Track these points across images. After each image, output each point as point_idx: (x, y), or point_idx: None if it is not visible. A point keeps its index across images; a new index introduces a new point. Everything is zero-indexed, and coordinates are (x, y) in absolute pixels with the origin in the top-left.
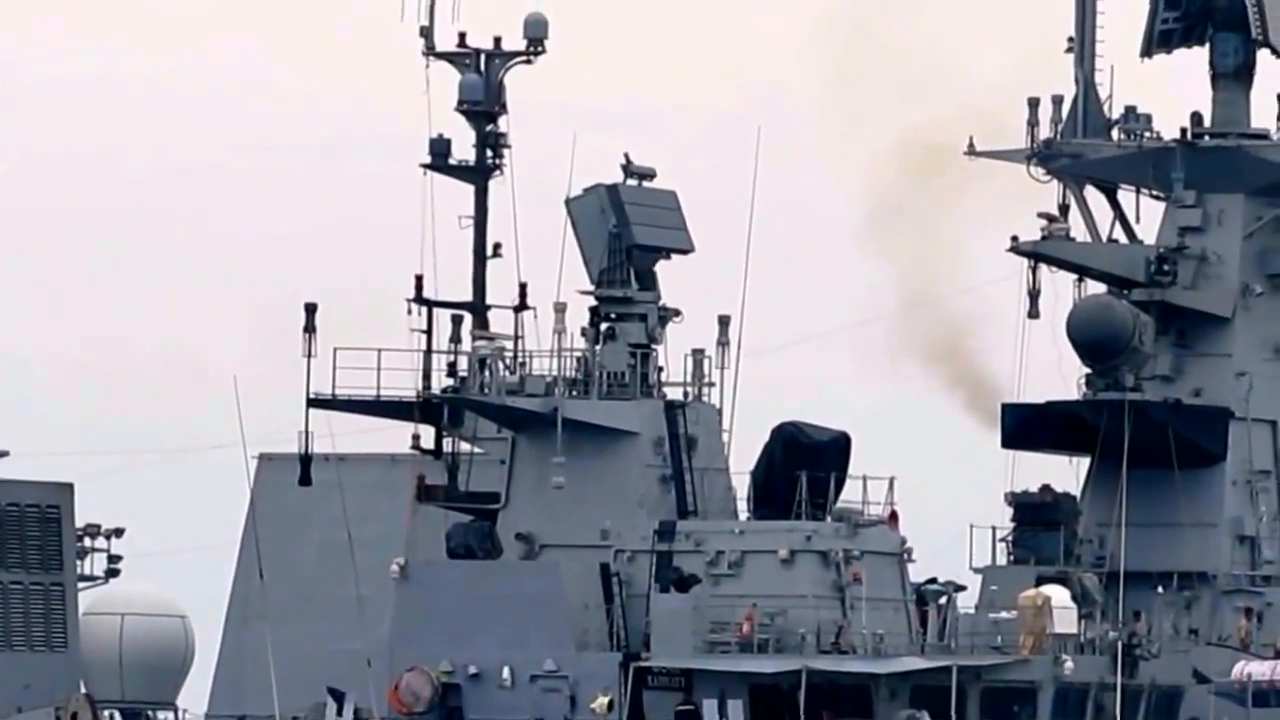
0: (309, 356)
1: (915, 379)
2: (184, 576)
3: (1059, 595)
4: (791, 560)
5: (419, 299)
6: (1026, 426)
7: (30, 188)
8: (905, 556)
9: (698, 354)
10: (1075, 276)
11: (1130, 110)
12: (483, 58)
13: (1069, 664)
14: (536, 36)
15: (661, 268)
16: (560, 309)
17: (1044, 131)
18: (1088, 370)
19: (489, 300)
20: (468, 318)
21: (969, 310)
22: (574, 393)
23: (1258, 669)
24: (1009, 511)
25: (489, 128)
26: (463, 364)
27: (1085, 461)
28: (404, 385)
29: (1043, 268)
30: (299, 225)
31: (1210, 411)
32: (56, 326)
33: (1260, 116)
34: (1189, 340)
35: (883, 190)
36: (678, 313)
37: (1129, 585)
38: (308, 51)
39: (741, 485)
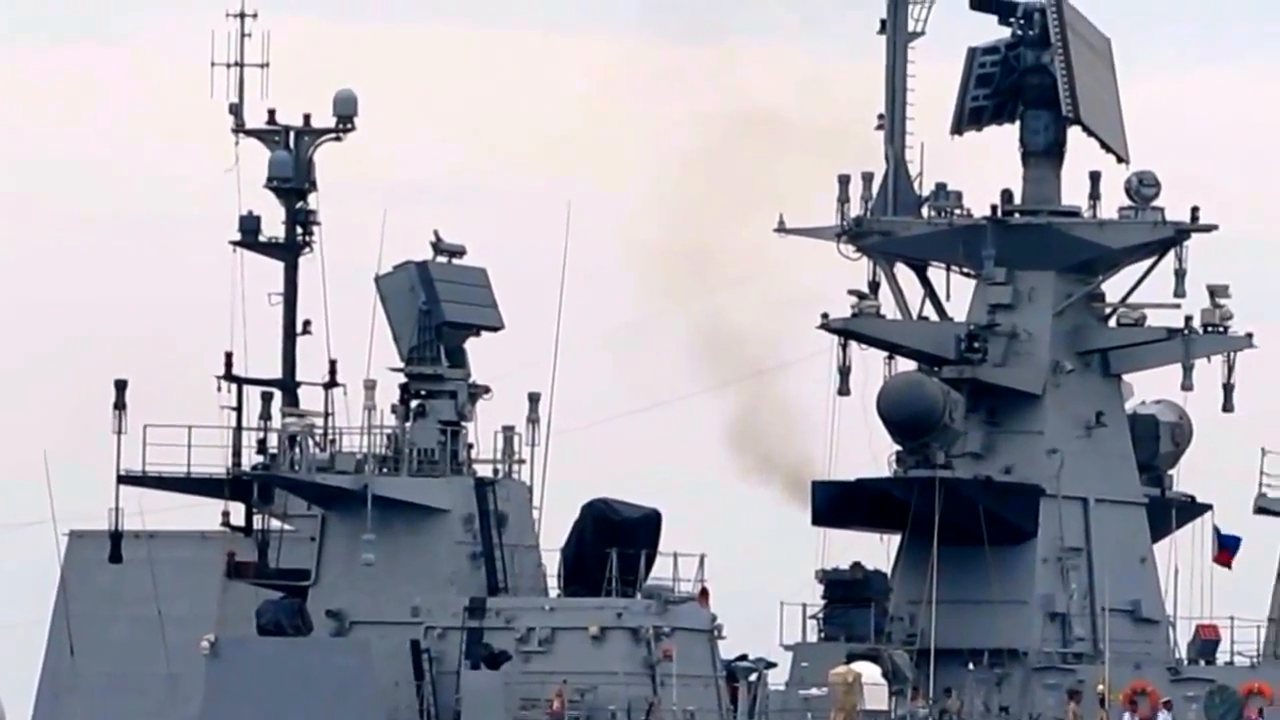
0: (119, 433)
1: (725, 457)
2: None
3: (870, 672)
4: (602, 637)
5: (229, 376)
6: (837, 504)
7: None
8: (716, 633)
9: (508, 431)
10: (886, 354)
11: (941, 187)
12: (292, 135)
13: None
14: (346, 114)
15: (471, 345)
16: (370, 386)
17: (854, 209)
18: (898, 447)
19: (299, 377)
20: (278, 395)
21: (779, 387)
22: (384, 470)
23: None
24: (820, 589)
25: (299, 205)
26: (273, 441)
27: (896, 538)
28: (214, 462)
29: (853, 345)
30: (108, 300)
31: (1021, 489)
32: None
33: (1071, 194)
34: (1000, 417)
35: (692, 265)
36: (488, 390)
37: (940, 662)
38: (117, 127)
39: (552, 562)
